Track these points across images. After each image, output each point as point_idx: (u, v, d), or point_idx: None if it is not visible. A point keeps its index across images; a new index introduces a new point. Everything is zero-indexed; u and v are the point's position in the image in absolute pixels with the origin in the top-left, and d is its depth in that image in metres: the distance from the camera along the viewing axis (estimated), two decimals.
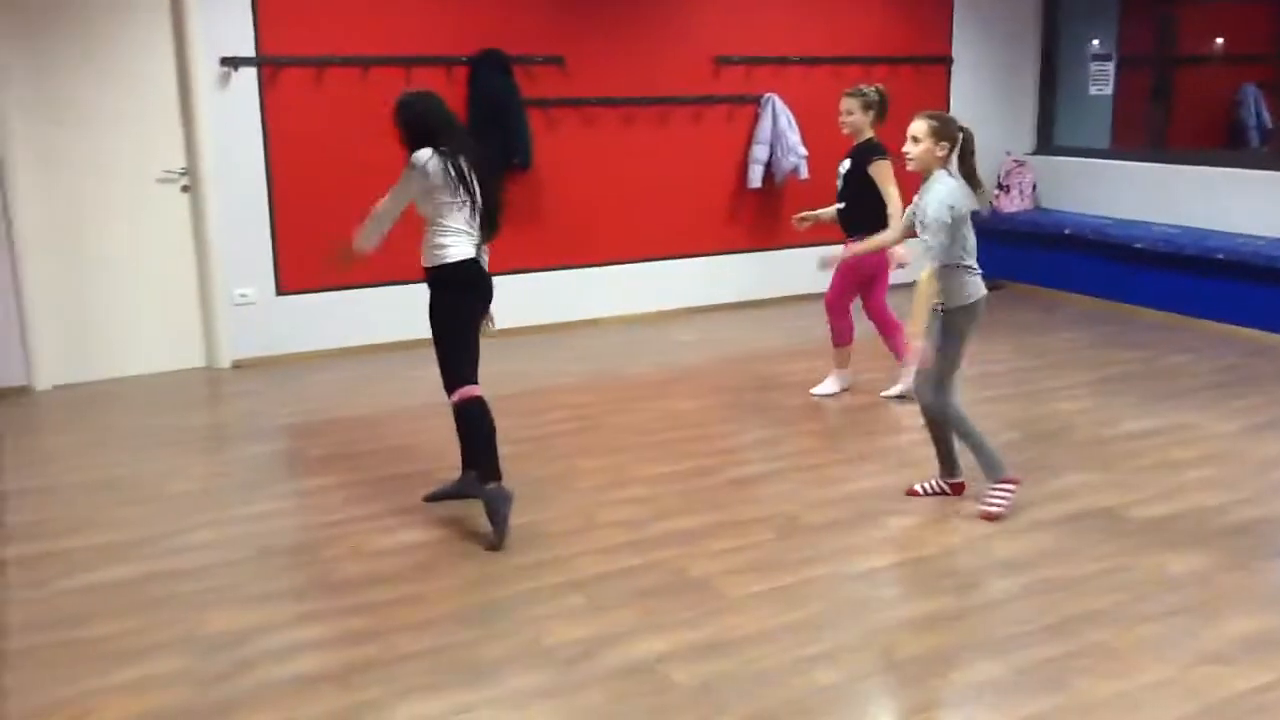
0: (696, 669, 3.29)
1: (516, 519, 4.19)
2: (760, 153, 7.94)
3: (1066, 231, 8.28)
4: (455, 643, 3.47)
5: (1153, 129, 8.31)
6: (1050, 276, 8.58)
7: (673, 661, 3.33)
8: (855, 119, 5.68)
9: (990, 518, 4.32)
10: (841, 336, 6.00)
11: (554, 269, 7.56)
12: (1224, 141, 8.84)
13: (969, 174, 4.29)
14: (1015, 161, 8.86)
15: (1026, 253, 8.65)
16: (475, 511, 4.28)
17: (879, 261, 5.72)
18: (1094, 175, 8.57)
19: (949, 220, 4.12)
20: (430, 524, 4.37)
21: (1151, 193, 8.11)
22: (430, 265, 4.22)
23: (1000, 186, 8.83)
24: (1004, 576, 3.89)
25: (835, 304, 5.95)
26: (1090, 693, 3.16)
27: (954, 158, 4.26)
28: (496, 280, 4.38)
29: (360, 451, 5.24)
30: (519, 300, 7.07)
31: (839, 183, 5.79)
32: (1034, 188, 8.86)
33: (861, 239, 5.37)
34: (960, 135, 4.24)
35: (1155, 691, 3.17)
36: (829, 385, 6.07)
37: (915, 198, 4.32)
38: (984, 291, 4.28)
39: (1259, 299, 7.17)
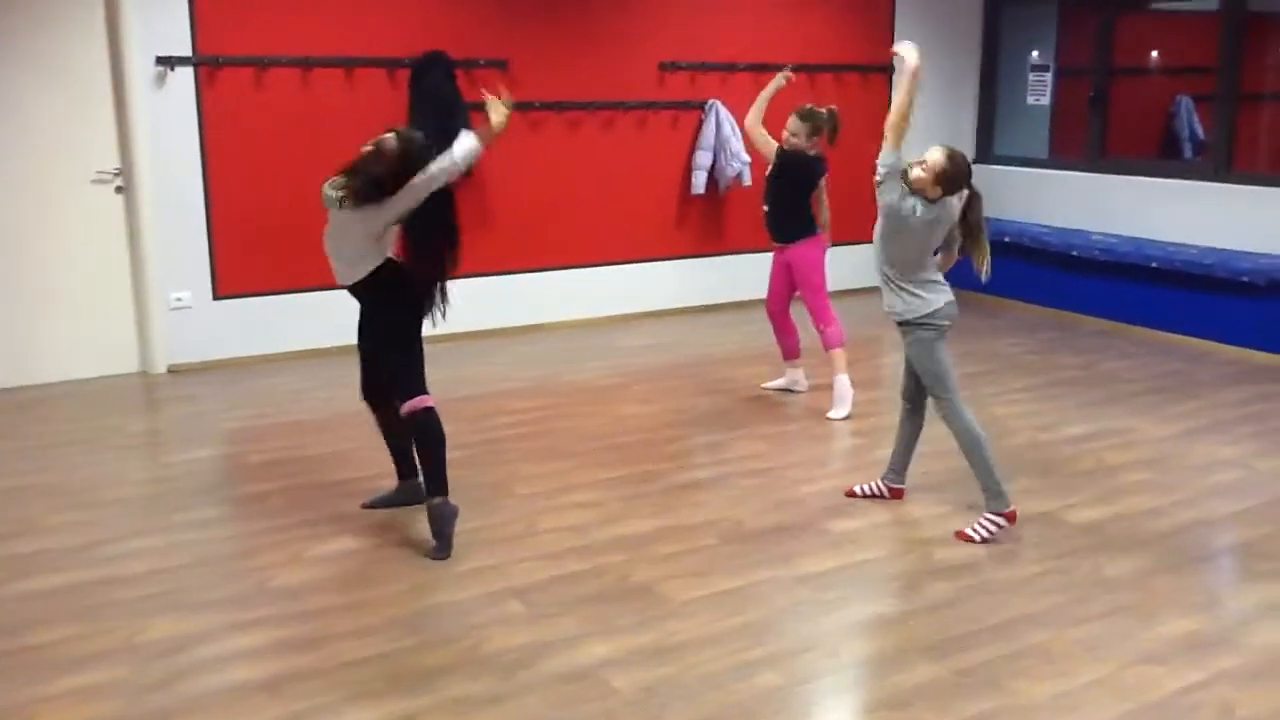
0: (638, 675, 3.28)
1: (459, 525, 4.15)
2: (703, 159, 7.95)
3: (1006, 240, 8.38)
4: (394, 650, 3.42)
5: (1090, 139, 8.44)
6: (993, 284, 8.56)
7: (614, 667, 3.32)
8: (799, 141, 5.64)
9: (966, 539, 4.20)
10: (786, 340, 6.07)
11: (500, 274, 7.51)
12: (1158, 152, 8.99)
13: (971, 233, 4.27)
14: None
15: (968, 260, 8.71)
16: (415, 518, 4.24)
17: (812, 263, 5.77)
18: (1033, 184, 8.69)
19: (889, 177, 4.15)
20: (369, 531, 4.31)
21: (1089, 202, 8.24)
22: (357, 280, 4.10)
23: None
24: (944, 580, 3.92)
25: (775, 310, 6.01)
26: (1028, 693, 3.19)
27: (950, 201, 4.28)
28: None
29: (299, 457, 5.17)
30: (464, 305, 6.96)
31: (765, 185, 5.83)
32: None
33: (787, 245, 5.77)
34: (965, 190, 4.24)
35: (1092, 691, 3.21)
36: (782, 381, 6.17)
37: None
38: (940, 305, 4.32)
39: (1195, 307, 7.31)
